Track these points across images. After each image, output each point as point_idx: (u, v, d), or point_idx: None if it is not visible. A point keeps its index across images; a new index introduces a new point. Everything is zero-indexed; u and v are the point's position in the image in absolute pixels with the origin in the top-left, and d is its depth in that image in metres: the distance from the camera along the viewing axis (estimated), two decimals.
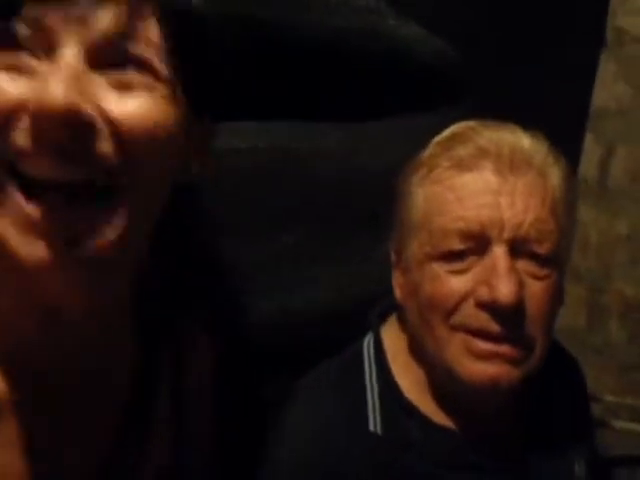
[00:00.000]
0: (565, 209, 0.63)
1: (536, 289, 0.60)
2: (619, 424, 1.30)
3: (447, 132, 0.67)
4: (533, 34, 1.36)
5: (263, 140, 0.76)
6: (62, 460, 0.49)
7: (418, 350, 0.68)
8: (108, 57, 0.42)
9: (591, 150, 1.53)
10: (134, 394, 0.54)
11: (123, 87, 0.42)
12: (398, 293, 0.69)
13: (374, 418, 0.66)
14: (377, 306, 0.75)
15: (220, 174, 0.71)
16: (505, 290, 0.58)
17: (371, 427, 0.65)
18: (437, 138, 0.67)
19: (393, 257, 0.71)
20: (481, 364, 0.60)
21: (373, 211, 0.72)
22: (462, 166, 0.62)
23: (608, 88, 1.52)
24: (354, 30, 0.83)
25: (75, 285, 0.44)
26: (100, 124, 0.41)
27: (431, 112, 0.86)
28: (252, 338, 0.73)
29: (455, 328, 0.62)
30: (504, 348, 0.60)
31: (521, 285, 0.59)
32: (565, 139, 0.66)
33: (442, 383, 0.66)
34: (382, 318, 0.74)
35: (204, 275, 0.67)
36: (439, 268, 0.62)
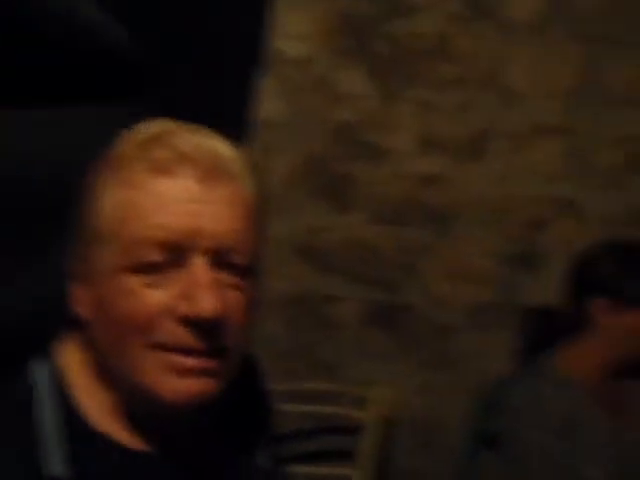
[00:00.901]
0: (260, 219, 0.64)
1: (236, 300, 0.59)
2: (283, 407, 1.43)
3: (143, 131, 0.61)
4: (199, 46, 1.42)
5: None
6: None
7: (107, 372, 0.60)
8: None
9: (257, 160, 1.66)
10: None
11: None
12: (81, 309, 0.61)
13: (54, 457, 0.56)
14: (50, 323, 0.65)
15: None
16: (207, 304, 0.56)
17: (49, 469, 0.56)
18: (130, 136, 0.61)
19: (74, 267, 0.62)
20: (185, 381, 0.57)
21: (54, 207, 0.61)
22: (161, 170, 0.57)
23: (267, 102, 1.68)
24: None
25: None
26: None
27: (113, 102, 0.79)
28: None
29: (153, 346, 0.57)
30: (206, 362, 0.58)
31: (223, 297, 0.58)
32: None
33: (136, 405, 0.61)
34: (56, 337, 0.64)
35: None
36: (134, 281, 0.57)
